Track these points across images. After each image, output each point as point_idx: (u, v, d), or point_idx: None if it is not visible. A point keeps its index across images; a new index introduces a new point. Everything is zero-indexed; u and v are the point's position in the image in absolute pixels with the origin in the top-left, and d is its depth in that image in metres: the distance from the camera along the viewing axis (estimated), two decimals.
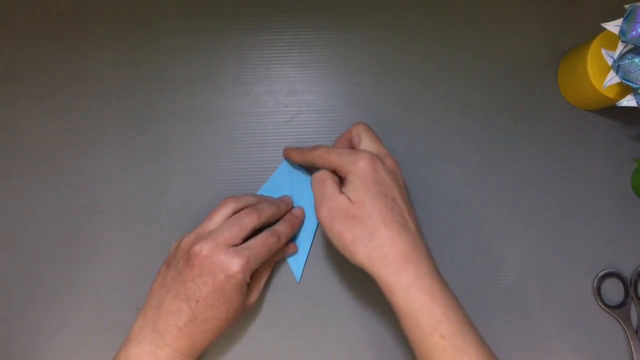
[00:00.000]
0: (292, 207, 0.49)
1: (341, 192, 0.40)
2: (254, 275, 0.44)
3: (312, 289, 0.49)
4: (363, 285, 0.48)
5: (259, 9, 0.51)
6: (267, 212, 0.45)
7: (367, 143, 0.43)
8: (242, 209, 0.44)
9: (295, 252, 0.49)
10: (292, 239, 0.49)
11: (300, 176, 0.49)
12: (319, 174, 0.42)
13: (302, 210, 0.49)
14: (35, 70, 0.50)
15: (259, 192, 0.50)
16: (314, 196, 0.42)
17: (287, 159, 0.49)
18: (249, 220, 0.43)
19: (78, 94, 0.50)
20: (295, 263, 0.49)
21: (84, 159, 0.50)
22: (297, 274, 0.49)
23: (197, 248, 0.41)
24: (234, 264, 0.40)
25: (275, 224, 0.46)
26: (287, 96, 0.51)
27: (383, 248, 0.38)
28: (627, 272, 0.49)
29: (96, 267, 0.49)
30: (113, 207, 0.49)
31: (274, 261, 0.48)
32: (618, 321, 0.48)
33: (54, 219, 0.49)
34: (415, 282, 0.38)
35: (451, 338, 0.37)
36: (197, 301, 0.41)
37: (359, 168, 0.40)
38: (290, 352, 0.48)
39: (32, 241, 0.49)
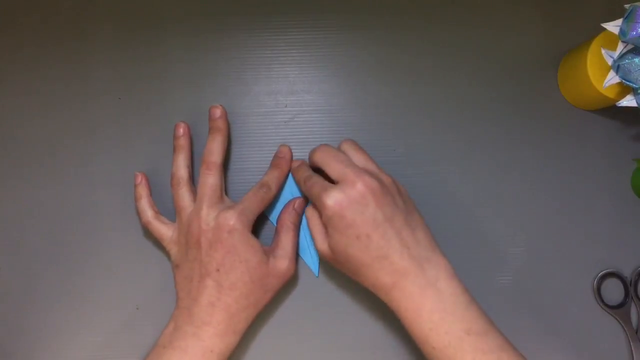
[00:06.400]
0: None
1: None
2: (275, 241, 0.45)
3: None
4: None
5: (259, 9, 0.51)
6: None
7: (354, 158, 0.43)
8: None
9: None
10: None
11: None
12: (307, 212, 0.45)
13: (287, 148, 0.49)
14: (35, 70, 0.50)
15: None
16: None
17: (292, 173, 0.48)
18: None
19: (78, 94, 0.50)
20: (309, 257, 0.48)
21: (83, 159, 0.50)
22: (314, 268, 0.48)
23: (194, 230, 0.43)
24: (229, 218, 0.42)
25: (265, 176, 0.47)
26: (287, 96, 0.51)
27: (368, 281, 0.41)
28: (627, 272, 0.49)
29: (96, 267, 0.49)
30: (113, 208, 0.49)
31: (294, 226, 0.47)
32: (618, 321, 0.48)
33: (53, 219, 0.49)
34: (403, 302, 0.40)
35: (442, 349, 0.38)
36: (217, 270, 0.42)
37: (328, 211, 0.40)
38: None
39: (31, 241, 0.49)
